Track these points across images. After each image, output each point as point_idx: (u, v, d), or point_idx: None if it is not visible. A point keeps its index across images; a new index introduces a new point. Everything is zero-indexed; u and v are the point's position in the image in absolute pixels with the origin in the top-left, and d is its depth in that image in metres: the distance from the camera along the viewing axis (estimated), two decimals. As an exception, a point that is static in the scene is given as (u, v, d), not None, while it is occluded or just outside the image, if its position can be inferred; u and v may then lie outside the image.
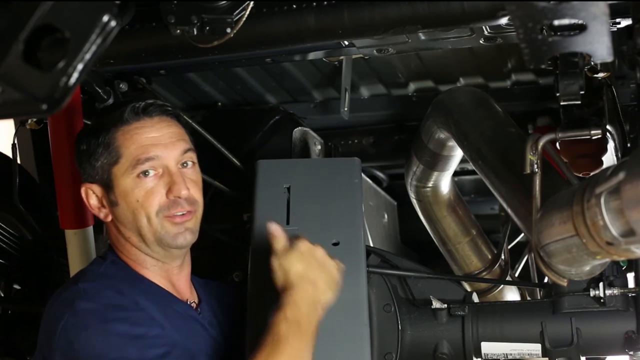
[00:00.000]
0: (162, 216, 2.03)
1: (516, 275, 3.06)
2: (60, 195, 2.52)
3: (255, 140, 2.94)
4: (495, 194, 2.41)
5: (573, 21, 1.47)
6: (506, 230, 2.89)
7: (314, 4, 2.15)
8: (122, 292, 1.95)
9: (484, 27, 2.35)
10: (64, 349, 1.87)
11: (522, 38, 1.52)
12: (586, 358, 2.48)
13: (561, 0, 1.40)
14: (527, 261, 2.97)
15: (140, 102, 2.09)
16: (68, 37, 1.35)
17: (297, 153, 2.78)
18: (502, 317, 2.32)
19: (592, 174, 2.65)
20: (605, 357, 2.74)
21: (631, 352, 2.25)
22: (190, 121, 2.51)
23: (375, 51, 2.59)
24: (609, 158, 2.73)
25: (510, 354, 2.30)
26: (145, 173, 2.03)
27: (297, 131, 2.82)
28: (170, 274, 2.12)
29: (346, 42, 2.52)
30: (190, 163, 2.11)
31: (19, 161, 2.82)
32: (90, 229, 2.57)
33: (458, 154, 2.88)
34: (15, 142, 2.73)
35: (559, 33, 1.50)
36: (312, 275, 1.96)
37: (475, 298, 2.42)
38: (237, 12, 2.08)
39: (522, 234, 2.93)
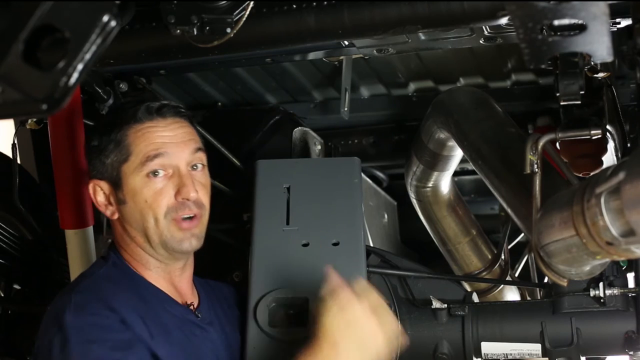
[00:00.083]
0: (170, 218, 2.03)
1: (516, 275, 3.06)
2: (60, 195, 2.52)
3: (255, 140, 2.94)
4: (495, 194, 2.41)
5: (573, 21, 1.47)
6: (506, 230, 2.89)
7: (314, 4, 2.14)
8: (113, 307, 1.91)
9: (484, 27, 2.35)
10: None
11: (522, 38, 1.52)
12: (586, 358, 2.48)
13: (561, 0, 1.40)
14: (527, 261, 2.98)
15: (155, 102, 2.09)
16: (68, 37, 1.35)
17: (297, 153, 2.79)
18: (502, 317, 2.32)
19: (592, 174, 2.65)
20: (605, 357, 2.74)
21: (631, 352, 2.25)
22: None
23: (375, 51, 2.59)
24: (609, 158, 2.73)
25: (510, 354, 2.30)
26: (154, 173, 2.03)
27: (297, 131, 2.82)
28: (172, 275, 2.12)
29: (346, 42, 2.52)
30: (200, 165, 2.10)
31: (19, 161, 2.82)
32: (90, 229, 2.57)
33: (458, 154, 2.88)
34: (15, 142, 2.73)
35: (559, 33, 1.50)
36: (364, 335, 1.84)
37: (475, 298, 2.42)
38: (237, 12, 2.08)
39: (522, 234, 2.93)
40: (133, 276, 2.08)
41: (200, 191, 2.07)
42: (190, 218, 2.06)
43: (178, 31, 2.11)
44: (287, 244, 2.24)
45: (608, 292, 2.20)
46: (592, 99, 2.65)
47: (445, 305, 2.32)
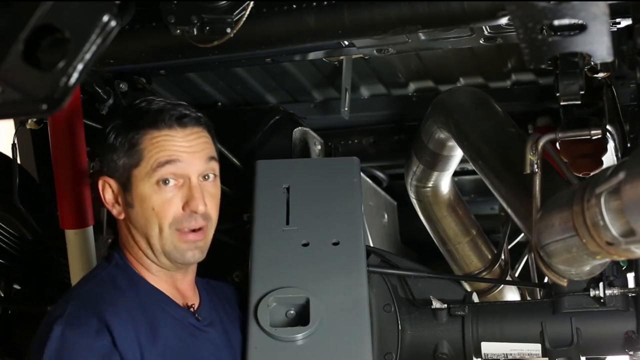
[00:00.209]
0: (174, 229, 2.02)
1: (516, 275, 3.06)
2: (60, 195, 2.52)
3: (255, 140, 2.94)
4: (495, 194, 2.41)
5: (573, 21, 1.47)
6: (506, 230, 2.89)
7: (314, 4, 2.14)
8: (106, 322, 1.90)
9: (484, 27, 2.35)
10: None
11: (522, 38, 1.52)
12: (586, 358, 2.48)
13: (561, 0, 1.40)
14: (527, 261, 2.98)
15: (178, 110, 2.06)
16: (68, 37, 1.35)
17: (297, 153, 2.79)
18: (502, 317, 2.32)
19: (592, 174, 2.65)
20: (605, 357, 2.74)
21: (631, 352, 2.25)
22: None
23: (375, 51, 2.59)
24: (609, 158, 2.73)
25: (510, 354, 2.30)
26: (165, 181, 2.01)
27: (297, 131, 2.82)
28: (175, 279, 2.12)
29: (346, 42, 2.53)
30: (212, 176, 2.08)
31: (19, 161, 2.82)
32: (90, 229, 2.57)
33: (458, 154, 2.88)
34: (15, 142, 2.73)
35: (559, 33, 1.50)
36: None
37: (475, 298, 2.42)
38: (237, 12, 2.08)
39: (522, 234, 2.92)
40: (135, 278, 2.07)
41: (209, 203, 2.05)
42: (196, 230, 2.04)
43: (178, 31, 2.11)
44: (287, 244, 2.24)
45: (608, 292, 2.20)
46: (592, 99, 2.65)
47: (445, 305, 2.31)
